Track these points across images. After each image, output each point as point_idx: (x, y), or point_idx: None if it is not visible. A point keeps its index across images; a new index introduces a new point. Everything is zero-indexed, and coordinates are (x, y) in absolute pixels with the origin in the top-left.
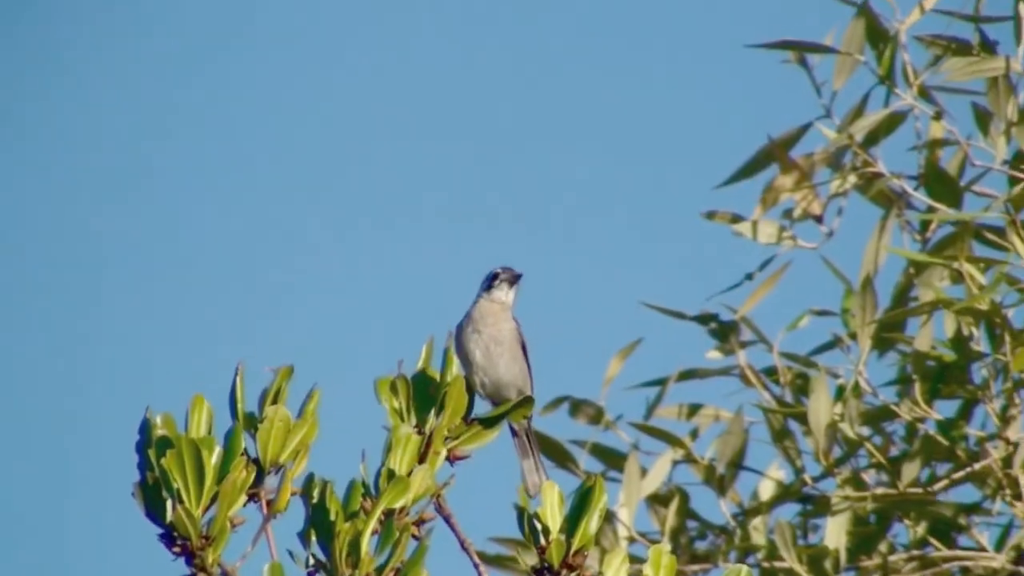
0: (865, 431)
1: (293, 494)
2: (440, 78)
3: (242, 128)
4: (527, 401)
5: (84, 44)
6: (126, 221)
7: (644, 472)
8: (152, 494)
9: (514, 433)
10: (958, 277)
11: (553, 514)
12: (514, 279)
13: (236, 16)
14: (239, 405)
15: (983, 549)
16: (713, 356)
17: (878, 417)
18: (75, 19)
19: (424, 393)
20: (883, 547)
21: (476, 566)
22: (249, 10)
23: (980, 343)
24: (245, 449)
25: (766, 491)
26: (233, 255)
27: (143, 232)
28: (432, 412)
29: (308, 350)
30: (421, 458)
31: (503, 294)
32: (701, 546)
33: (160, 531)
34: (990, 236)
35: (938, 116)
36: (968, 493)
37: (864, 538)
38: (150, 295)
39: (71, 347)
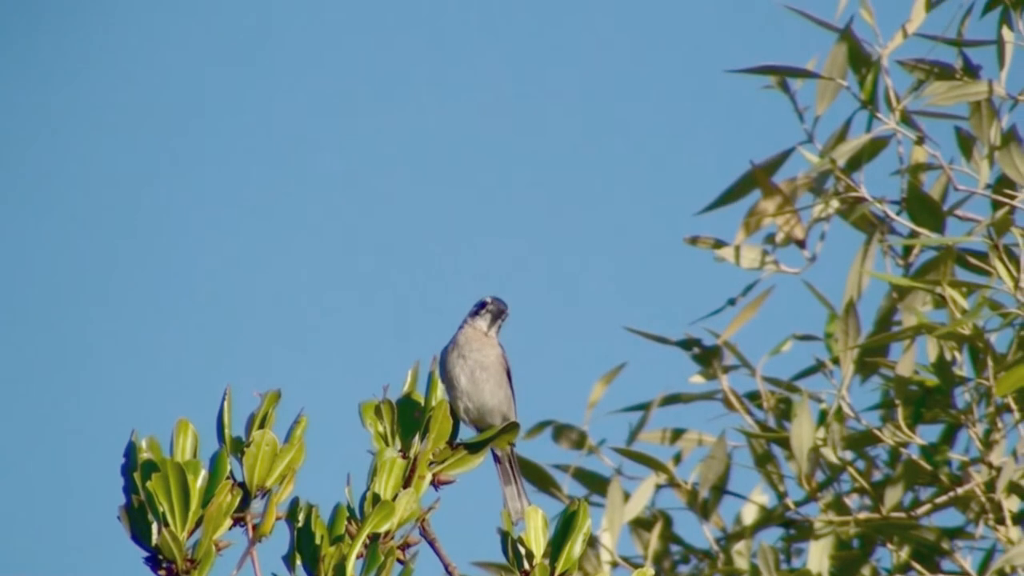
0: (848, 455)
1: (278, 518)
2: (425, 104)
3: (237, 144)
4: (512, 427)
5: (91, 49)
6: (104, 243)
7: (627, 496)
8: (137, 517)
9: (496, 459)
10: (941, 302)
11: (537, 538)
12: (498, 314)
13: (241, 23)
14: (226, 429)
15: (966, 574)
16: (696, 381)
17: (861, 442)
18: (82, 24)
19: (409, 417)
20: (866, 571)
21: None
22: (252, 14)
23: (963, 368)
24: (231, 473)
25: (749, 515)
26: (220, 276)
27: (126, 258)
28: (417, 436)
29: (295, 374)
30: (406, 482)
31: (485, 324)
32: (684, 570)
33: (145, 554)
34: (973, 261)
35: (920, 141)
36: (951, 517)
37: (847, 562)
38: (136, 316)
39: (52, 368)
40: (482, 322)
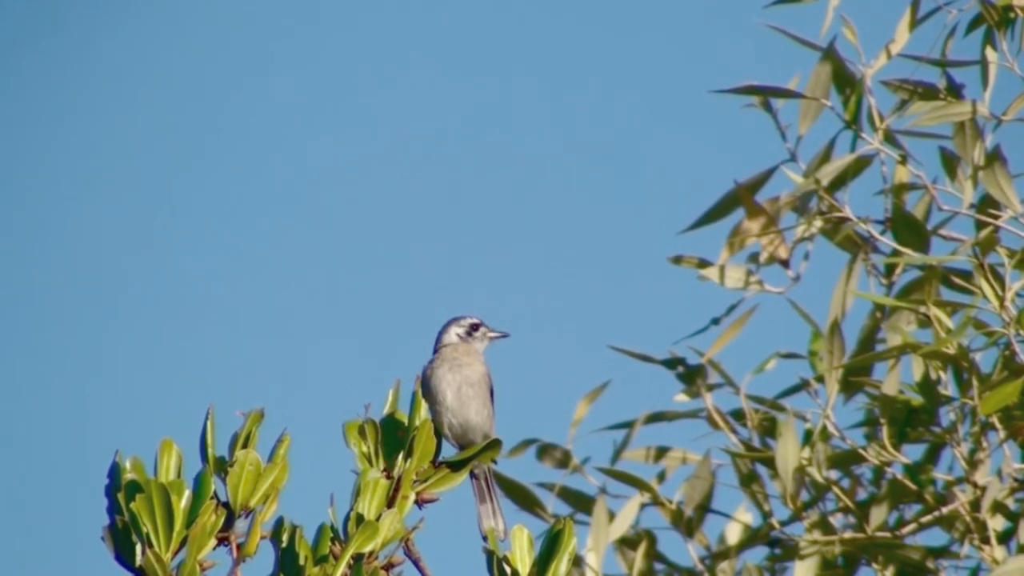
0: (833, 475)
1: (263, 538)
2: (403, 121)
3: (222, 161)
4: (495, 444)
5: (107, 64)
6: (83, 266)
7: (612, 516)
8: (122, 538)
9: (473, 476)
10: (925, 321)
11: (523, 557)
12: (492, 338)
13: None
14: (209, 449)
15: None
16: (680, 399)
17: (846, 461)
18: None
19: (392, 437)
20: None
21: None
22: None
23: (947, 387)
24: (215, 493)
25: (734, 534)
26: (201, 297)
27: (106, 279)
28: (400, 456)
29: (278, 394)
30: (390, 502)
31: (474, 343)
32: None
33: (130, 575)
34: (957, 280)
35: (904, 160)
36: (936, 537)
37: None
38: (119, 336)
39: (35, 388)
40: (471, 340)
